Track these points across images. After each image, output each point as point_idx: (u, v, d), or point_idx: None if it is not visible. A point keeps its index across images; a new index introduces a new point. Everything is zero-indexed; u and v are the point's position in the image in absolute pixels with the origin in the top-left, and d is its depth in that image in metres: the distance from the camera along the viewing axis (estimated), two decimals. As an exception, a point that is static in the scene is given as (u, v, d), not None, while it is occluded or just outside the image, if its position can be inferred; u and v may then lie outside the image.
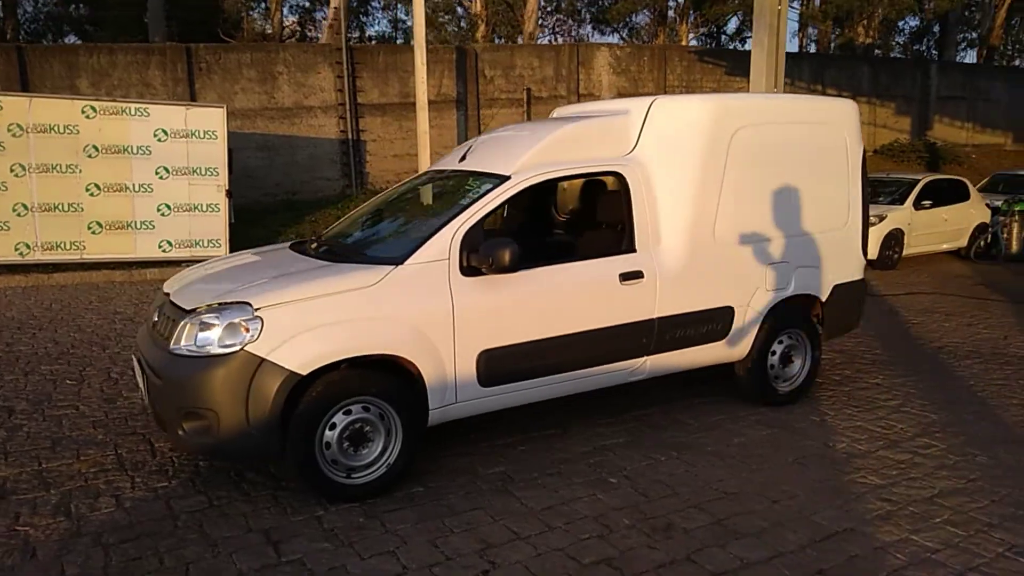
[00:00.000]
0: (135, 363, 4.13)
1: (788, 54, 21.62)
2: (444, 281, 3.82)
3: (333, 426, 3.62)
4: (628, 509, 3.64)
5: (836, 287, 5.20)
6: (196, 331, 3.57)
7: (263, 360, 3.45)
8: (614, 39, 30.20)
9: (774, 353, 5.02)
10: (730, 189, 4.64)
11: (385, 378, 3.71)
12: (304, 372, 3.49)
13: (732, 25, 32.71)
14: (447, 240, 3.86)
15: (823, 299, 5.17)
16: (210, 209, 10.71)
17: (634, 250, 4.41)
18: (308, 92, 13.82)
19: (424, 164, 13.58)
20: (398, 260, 3.82)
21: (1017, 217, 11.76)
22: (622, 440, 4.53)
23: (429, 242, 3.85)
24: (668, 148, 4.53)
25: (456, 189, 4.44)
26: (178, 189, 10.54)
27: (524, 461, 4.22)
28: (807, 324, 5.15)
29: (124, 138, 10.26)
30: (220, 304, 3.60)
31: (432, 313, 3.78)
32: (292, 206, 13.33)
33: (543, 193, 5.00)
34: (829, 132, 5.16)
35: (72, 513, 3.61)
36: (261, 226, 12.18)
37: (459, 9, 26.81)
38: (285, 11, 24.35)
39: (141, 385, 3.98)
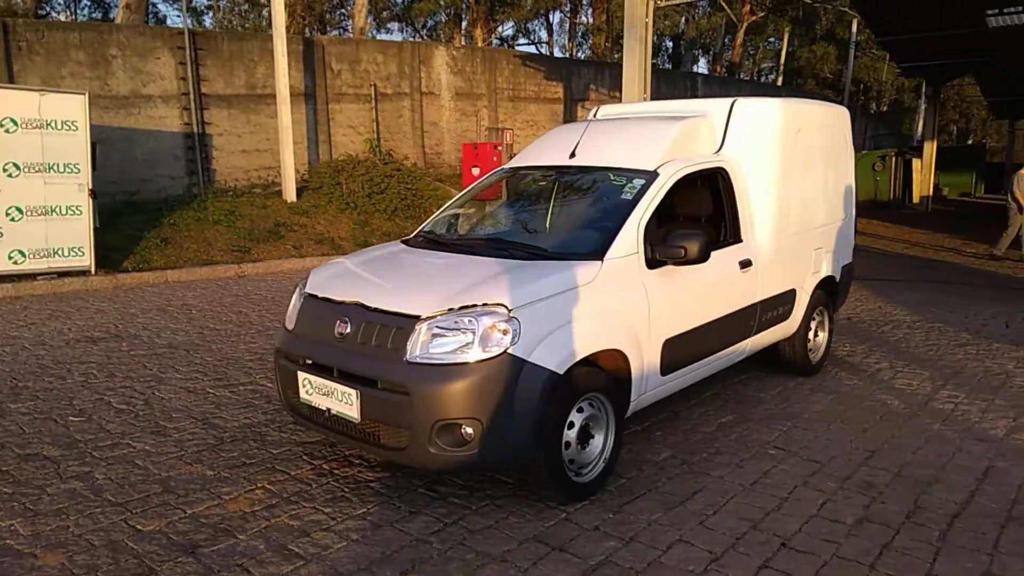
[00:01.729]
0: (306, 382, 3.67)
1: (596, 63, 23.30)
2: (637, 274, 3.93)
3: (571, 425, 3.58)
4: (819, 474, 4.04)
5: (843, 268, 6.05)
6: (448, 336, 3.32)
7: (525, 362, 3.32)
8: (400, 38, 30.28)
9: (810, 328, 5.72)
10: (795, 183, 5.22)
11: (603, 373, 3.73)
12: (561, 371, 3.43)
13: (508, 30, 34.50)
14: (634, 234, 3.96)
15: (837, 279, 5.98)
16: (71, 212, 9.17)
17: (740, 240, 4.81)
18: (147, 79, 12.24)
19: (287, 161, 12.76)
20: (598, 255, 3.84)
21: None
22: (732, 417, 4.91)
23: (619, 237, 3.92)
24: (752, 146, 4.98)
25: (599, 184, 4.50)
26: (31, 189, 8.89)
27: (677, 446, 4.43)
28: (830, 301, 5.93)
29: (-44, 127, 8.44)
30: (466, 307, 3.37)
31: (635, 306, 3.87)
32: (137, 207, 11.78)
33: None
34: (836, 133, 5.97)
35: (303, 554, 3.18)
36: (113, 229, 10.65)
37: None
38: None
39: (334, 405, 3.56)
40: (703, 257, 3.97)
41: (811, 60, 41.15)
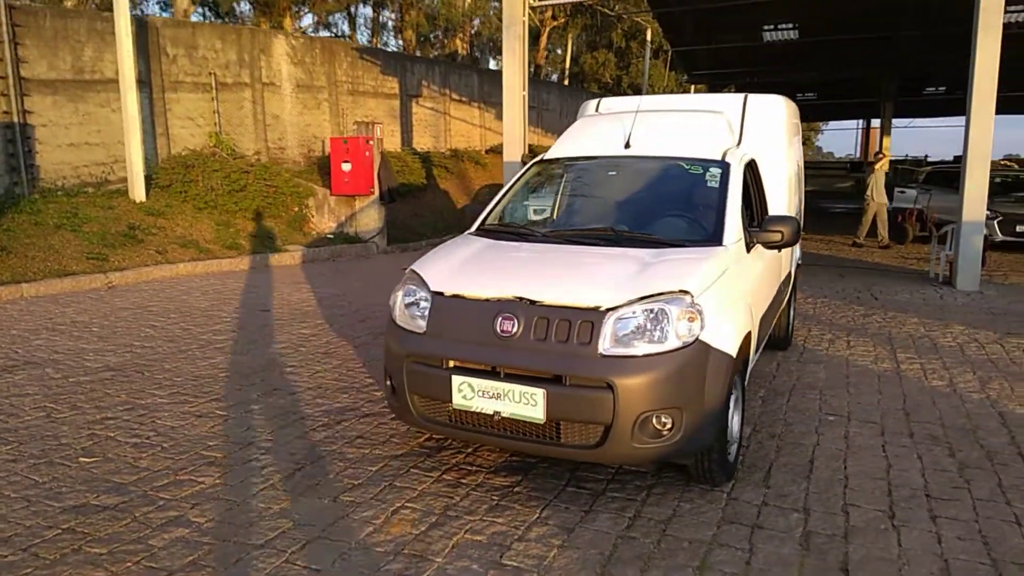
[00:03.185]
0: (464, 387, 3.38)
1: (427, 60, 23.06)
2: (744, 257, 4.10)
3: (728, 406, 3.66)
4: (888, 433, 4.49)
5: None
6: (641, 327, 3.25)
7: (710, 347, 3.35)
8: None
9: (790, 305, 6.27)
10: (793, 173, 5.70)
11: (742, 354, 3.84)
12: (734, 355, 3.49)
13: (307, 20, 33.14)
14: (738, 220, 4.13)
15: (800, 262, 6.61)
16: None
17: (767, 226, 5.18)
18: (-48, 57, 10.12)
19: (135, 157, 11.28)
20: (718, 241, 3.96)
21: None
22: (764, 392, 5.27)
23: (729, 223, 4.07)
24: (764, 138, 5.35)
25: (675, 174, 4.57)
26: None
27: (749, 422, 4.67)
28: (794, 283, 6.54)
29: None
30: (651, 296, 3.32)
31: (750, 288, 4.05)
32: (-50, 210, 9.77)
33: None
34: (799, 126, 6.57)
35: (525, 567, 2.96)
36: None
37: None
38: None
39: (506, 407, 3.31)
40: (795, 240, 4.23)
41: (593, 66, 44.19)
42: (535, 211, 4.85)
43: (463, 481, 3.77)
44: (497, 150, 23.67)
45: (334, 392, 5.20)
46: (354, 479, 3.78)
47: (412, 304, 3.74)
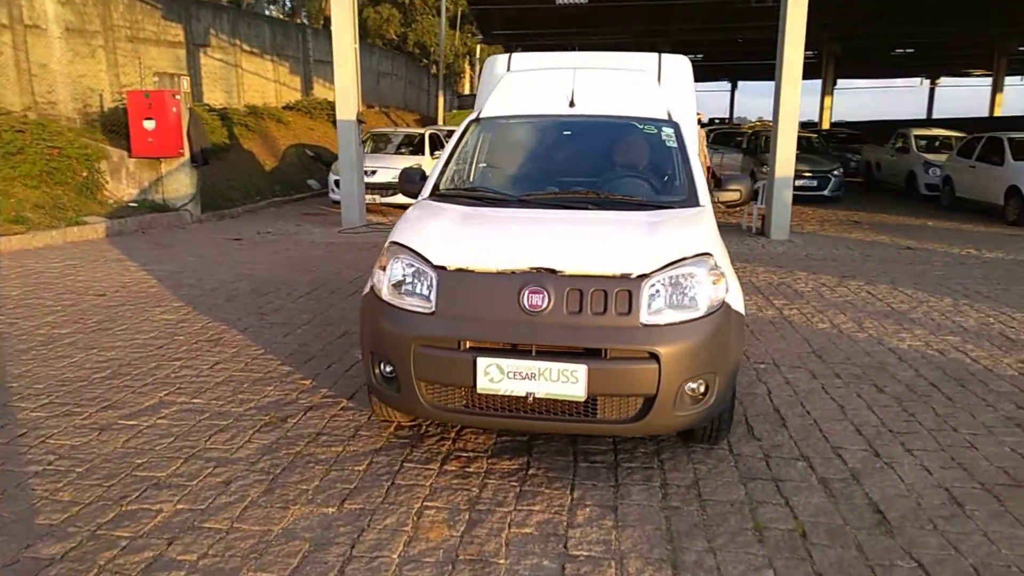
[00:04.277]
0: (491, 368, 3.07)
1: (214, 6, 20.83)
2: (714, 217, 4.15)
3: None
4: (886, 393, 4.84)
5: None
6: (675, 292, 3.15)
7: (731, 309, 3.34)
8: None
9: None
10: (696, 133, 5.86)
11: None
12: (743, 313, 3.52)
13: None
14: (703, 181, 4.15)
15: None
16: None
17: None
18: None
19: None
20: (696, 202, 3.95)
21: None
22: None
23: (699, 183, 4.07)
24: (679, 98, 5.41)
25: (630, 134, 4.44)
26: None
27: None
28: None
29: None
30: (679, 260, 3.21)
31: (724, 246, 4.10)
32: None
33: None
34: None
35: (599, 554, 2.79)
36: None
37: None
38: None
39: (541, 387, 3.06)
40: (748, 199, 4.34)
41: (377, 21, 42.79)
42: (491, 173, 4.52)
43: (469, 470, 3.47)
44: (296, 107, 22.24)
45: (253, 385, 4.55)
46: (347, 482, 3.33)
47: (407, 281, 3.32)
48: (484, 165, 4.57)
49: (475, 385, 3.12)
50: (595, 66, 5.21)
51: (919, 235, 11.51)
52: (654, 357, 3.06)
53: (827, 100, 29.52)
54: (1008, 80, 30.75)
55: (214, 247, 9.69)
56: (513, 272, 3.18)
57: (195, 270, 8.08)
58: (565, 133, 4.58)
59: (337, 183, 12.67)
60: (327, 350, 5.26)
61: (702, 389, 3.22)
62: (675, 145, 4.32)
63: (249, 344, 5.39)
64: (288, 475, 3.39)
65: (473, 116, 4.74)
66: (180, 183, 11.94)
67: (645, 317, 3.10)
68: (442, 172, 4.31)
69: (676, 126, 4.45)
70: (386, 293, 3.35)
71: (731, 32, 26.47)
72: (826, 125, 28.97)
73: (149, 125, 11.37)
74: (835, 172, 15.97)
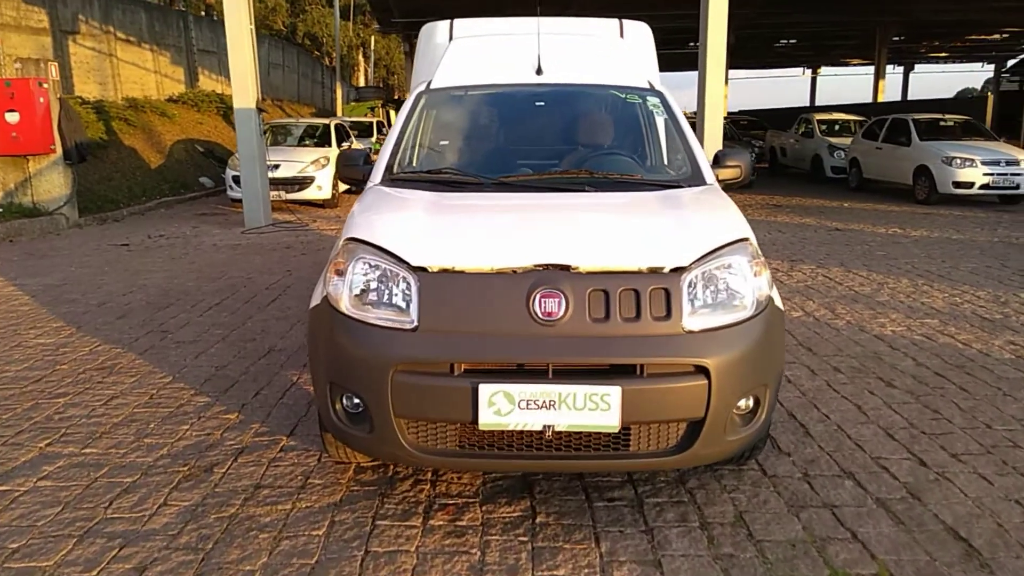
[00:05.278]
0: (498, 397, 2.35)
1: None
2: None
3: None
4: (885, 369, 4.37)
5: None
6: (716, 289, 2.54)
7: (775, 305, 2.76)
8: None
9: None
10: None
11: None
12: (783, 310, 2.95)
13: None
14: (704, 156, 3.57)
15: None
16: None
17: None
18: None
19: None
20: (702, 180, 3.37)
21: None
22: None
23: (701, 161, 3.48)
24: (646, 66, 4.83)
25: (613, 104, 3.80)
26: None
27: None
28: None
29: None
30: (718, 249, 2.59)
31: None
32: None
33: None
34: None
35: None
36: None
37: None
38: None
39: (563, 418, 2.37)
40: (750, 177, 3.80)
41: (262, 11, 40.68)
42: (454, 153, 3.77)
43: (462, 523, 2.74)
44: (181, 100, 20.54)
45: (163, 425, 3.64)
46: (306, 556, 2.53)
47: (375, 288, 2.55)
48: (445, 143, 3.82)
49: (476, 420, 2.39)
50: (557, 31, 4.54)
51: (840, 216, 11.53)
52: (702, 371, 2.43)
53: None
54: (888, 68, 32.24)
55: (98, 255, 8.44)
56: (516, 271, 2.47)
57: (77, 282, 6.91)
58: (538, 104, 3.89)
59: (236, 179, 11.52)
60: (251, 373, 4.38)
61: (752, 406, 2.62)
62: (666, 117, 3.72)
63: (152, 370, 4.43)
64: (224, 551, 2.57)
65: (420, 88, 3.98)
66: (53, 184, 10.48)
67: (688, 321, 2.46)
68: (394, 153, 3.53)
69: (661, 95, 3.85)
70: (347, 305, 2.57)
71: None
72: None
73: (12, 118, 9.88)
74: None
